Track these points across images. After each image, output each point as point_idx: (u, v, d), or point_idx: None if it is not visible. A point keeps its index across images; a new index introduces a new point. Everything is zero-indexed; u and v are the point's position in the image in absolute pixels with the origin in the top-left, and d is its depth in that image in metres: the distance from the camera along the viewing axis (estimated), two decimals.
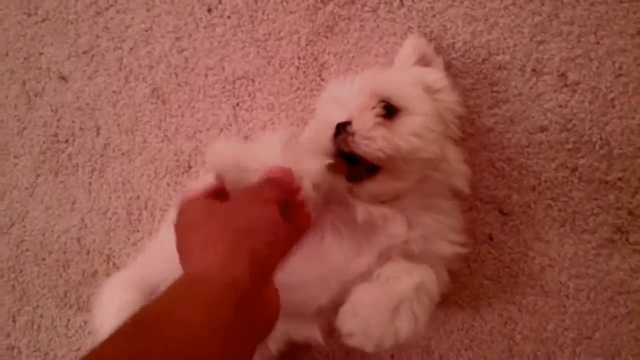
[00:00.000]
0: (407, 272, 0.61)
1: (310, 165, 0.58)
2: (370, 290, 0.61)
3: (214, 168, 0.57)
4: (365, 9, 0.80)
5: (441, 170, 0.65)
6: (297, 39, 0.82)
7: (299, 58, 0.83)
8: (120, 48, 0.87)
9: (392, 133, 0.60)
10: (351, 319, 0.60)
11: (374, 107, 0.61)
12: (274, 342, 0.74)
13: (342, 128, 0.60)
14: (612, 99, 0.76)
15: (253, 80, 0.84)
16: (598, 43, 0.76)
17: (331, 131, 0.60)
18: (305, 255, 0.60)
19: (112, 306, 0.70)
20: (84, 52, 0.88)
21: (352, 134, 0.59)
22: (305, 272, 0.63)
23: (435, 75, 0.66)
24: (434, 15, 0.79)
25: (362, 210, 0.61)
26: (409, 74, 0.67)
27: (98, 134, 0.88)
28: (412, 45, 0.72)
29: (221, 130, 0.85)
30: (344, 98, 0.65)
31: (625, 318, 0.77)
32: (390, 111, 0.61)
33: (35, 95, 0.90)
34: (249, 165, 0.56)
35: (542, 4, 0.77)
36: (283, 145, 0.63)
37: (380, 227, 0.62)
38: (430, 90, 0.65)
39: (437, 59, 0.73)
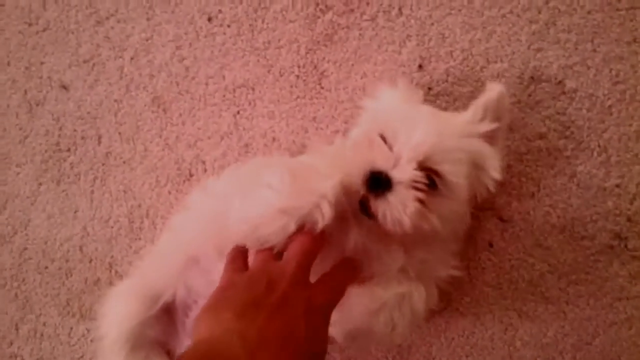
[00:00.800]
0: (396, 281, 0.62)
1: (325, 186, 0.56)
2: (358, 290, 0.62)
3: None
4: (364, 17, 0.81)
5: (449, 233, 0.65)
6: (296, 47, 0.83)
7: (298, 66, 0.83)
8: (121, 57, 0.88)
9: (425, 209, 0.58)
10: (337, 309, 0.61)
11: (418, 183, 0.57)
12: None
13: (378, 186, 0.57)
14: (610, 106, 0.77)
15: (253, 89, 0.85)
16: (595, 51, 0.77)
17: (365, 173, 0.57)
18: None
19: (117, 316, 0.71)
20: (85, 61, 0.89)
21: (386, 202, 0.57)
22: None
23: (492, 159, 0.62)
24: (432, 24, 0.80)
25: (355, 240, 0.61)
26: (465, 147, 0.61)
27: (99, 142, 0.89)
28: (497, 93, 0.64)
29: (222, 138, 0.85)
30: (398, 138, 0.60)
31: (624, 324, 0.78)
32: (432, 182, 0.59)
33: (37, 104, 0.90)
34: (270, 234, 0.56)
35: (539, 12, 0.77)
36: (289, 178, 0.58)
37: (375, 256, 0.63)
38: (476, 166, 0.62)
39: (507, 115, 0.67)
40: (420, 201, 0.57)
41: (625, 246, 0.77)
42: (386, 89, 0.68)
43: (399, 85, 0.68)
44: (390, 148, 0.59)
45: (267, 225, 0.56)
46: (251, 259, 0.59)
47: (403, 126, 0.60)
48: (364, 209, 0.58)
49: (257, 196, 0.58)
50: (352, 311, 0.62)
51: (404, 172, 0.57)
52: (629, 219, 0.77)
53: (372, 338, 0.64)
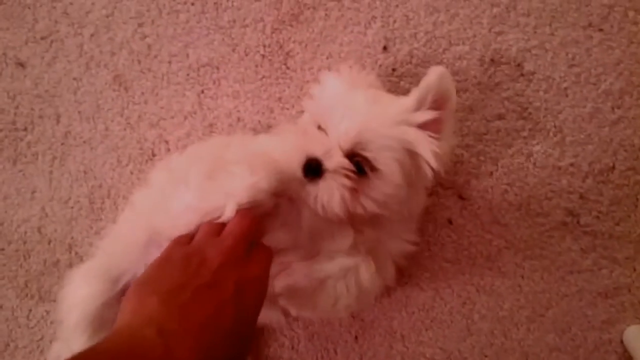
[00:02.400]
0: (344, 255, 0.64)
1: (236, 186, 0.58)
2: (306, 263, 0.64)
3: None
4: None
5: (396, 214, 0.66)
6: (262, 26, 0.83)
7: (264, 46, 0.83)
8: (80, 34, 0.85)
9: (356, 195, 0.60)
10: (283, 280, 0.64)
11: (346, 170, 0.59)
12: None
13: (313, 173, 0.59)
14: (566, 88, 0.80)
15: (218, 68, 0.84)
16: (553, 34, 0.79)
17: (301, 160, 0.59)
18: None
19: (77, 298, 0.70)
20: (43, 38, 0.86)
21: (317, 188, 0.59)
22: None
23: (425, 147, 0.61)
24: (397, 6, 0.81)
25: (308, 220, 0.63)
26: (398, 134, 0.60)
27: (58, 121, 0.86)
28: (438, 77, 0.62)
29: (185, 118, 0.85)
30: (330, 125, 0.62)
31: (575, 296, 0.82)
32: (361, 169, 0.60)
33: None
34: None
35: None
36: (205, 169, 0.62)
37: (327, 235, 0.64)
38: (412, 154, 0.61)
39: (453, 101, 0.64)
40: (351, 188, 0.59)
41: (578, 222, 0.81)
42: (329, 76, 0.69)
43: (342, 72, 0.69)
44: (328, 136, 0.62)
45: (179, 219, 0.61)
46: None
47: (335, 114, 0.61)
48: (309, 172, 0.60)
49: (177, 192, 0.62)
50: (298, 283, 0.64)
51: (332, 160, 0.59)
52: (581, 197, 0.80)
53: (317, 310, 0.65)
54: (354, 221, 0.63)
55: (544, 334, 0.82)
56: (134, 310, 0.48)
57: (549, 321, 0.82)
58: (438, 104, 0.62)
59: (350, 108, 0.61)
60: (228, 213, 0.58)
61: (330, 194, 0.58)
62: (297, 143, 0.62)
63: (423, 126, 0.61)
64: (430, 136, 0.60)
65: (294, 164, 0.59)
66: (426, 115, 0.61)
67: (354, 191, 0.59)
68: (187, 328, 0.46)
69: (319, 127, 0.64)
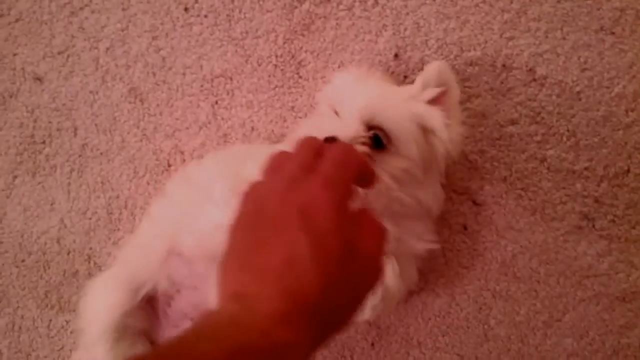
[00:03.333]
0: None
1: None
2: None
3: None
4: (341, 7, 0.82)
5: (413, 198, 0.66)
6: (274, 37, 0.84)
7: (276, 56, 0.84)
8: (96, 48, 0.87)
9: (374, 165, 0.59)
10: None
11: (363, 138, 0.60)
12: None
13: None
14: (578, 92, 0.80)
15: (231, 79, 0.85)
16: (564, 39, 0.80)
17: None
18: None
19: (99, 308, 0.71)
20: (59, 53, 0.88)
21: None
22: None
23: (436, 118, 0.62)
24: (407, 13, 0.81)
25: None
26: (409, 108, 0.62)
27: (75, 134, 0.88)
28: (435, 70, 0.66)
29: (200, 128, 0.86)
30: (344, 104, 0.64)
31: (592, 300, 0.81)
32: (379, 142, 0.61)
33: (10, 97, 0.89)
34: None
35: (511, 2, 0.80)
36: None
37: None
38: (426, 130, 0.63)
39: (455, 90, 0.67)
40: (369, 157, 0.59)
41: (593, 226, 0.81)
42: (339, 73, 0.71)
43: (350, 69, 0.71)
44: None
45: (208, 238, 0.60)
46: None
47: (349, 95, 0.64)
48: None
49: (202, 211, 0.62)
50: None
51: (347, 130, 0.60)
52: (596, 201, 0.80)
53: None
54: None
55: (562, 338, 0.82)
56: (221, 290, 0.39)
57: (566, 326, 0.82)
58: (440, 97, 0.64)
59: (363, 89, 0.64)
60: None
61: None
62: (310, 129, 0.63)
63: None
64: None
65: None
66: (432, 92, 0.63)
67: (372, 162, 0.60)
68: (266, 280, 0.37)
69: (335, 113, 0.65)
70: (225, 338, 0.34)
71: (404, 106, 0.62)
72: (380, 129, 0.61)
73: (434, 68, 0.65)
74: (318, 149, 0.44)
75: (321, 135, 0.58)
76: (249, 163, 0.68)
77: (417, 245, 0.69)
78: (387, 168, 0.61)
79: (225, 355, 0.32)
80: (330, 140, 0.57)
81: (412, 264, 0.70)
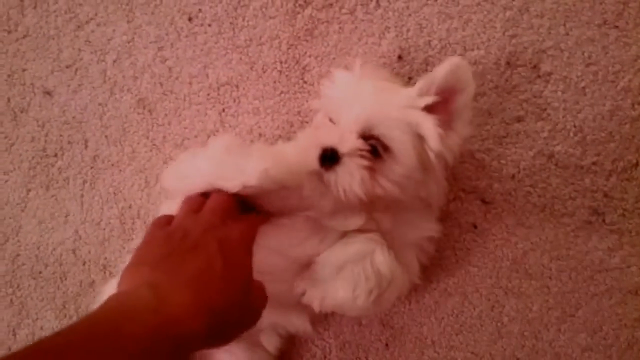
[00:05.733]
0: (361, 241, 0.65)
1: (249, 167, 0.60)
2: (325, 254, 0.66)
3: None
4: (343, 11, 0.83)
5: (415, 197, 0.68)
6: (278, 43, 0.84)
7: (281, 62, 0.85)
8: (103, 60, 0.88)
9: (374, 175, 0.61)
10: (303, 275, 0.67)
11: (361, 151, 0.61)
12: (270, 338, 0.77)
13: (327, 161, 0.61)
14: (584, 87, 0.80)
15: (237, 86, 0.86)
16: (567, 34, 0.79)
17: (317, 153, 0.61)
18: (267, 250, 0.65)
19: None
20: (67, 67, 0.89)
21: (335, 174, 0.61)
22: (269, 265, 0.66)
23: (429, 129, 0.62)
24: (409, 15, 0.82)
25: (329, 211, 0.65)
26: (405, 117, 0.62)
27: (86, 146, 0.89)
28: (452, 65, 0.63)
29: (208, 136, 0.87)
30: (341, 113, 0.64)
31: (605, 295, 0.81)
32: (375, 151, 0.62)
33: (21, 112, 0.90)
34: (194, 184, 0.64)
35: None
36: (226, 148, 0.65)
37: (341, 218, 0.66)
38: (420, 137, 0.63)
39: (470, 87, 0.64)
40: (369, 168, 0.60)
41: (603, 221, 0.81)
42: (340, 73, 0.70)
43: (353, 67, 0.69)
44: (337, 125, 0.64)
45: (187, 179, 0.65)
46: None
47: (345, 103, 0.64)
48: (325, 160, 0.62)
49: (193, 159, 0.66)
50: (317, 272, 0.66)
51: (347, 144, 0.61)
52: (605, 195, 0.80)
53: (338, 299, 0.65)
54: (373, 210, 0.65)
55: (575, 334, 0.82)
56: (128, 282, 0.49)
57: (580, 321, 0.82)
58: (449, 93, 0.63)
59: (359, 96, 0.64)
60: (233, 186, 0.60)
61: (350, 175, 0.60)
62: (310, 139, 0.64)
63: (431, 112, 0.62)
64: (439, 121, 0.62)
65: (310, 159, 0.61)
66: (428, 99, 0.62)
67: (371, 171, 0.61)
68: (179, 280, 0.48)
69: (331, 120, 0.66)
70: (146, 321, 0.41)
71: (400, 115, 0.62)
72: (378, 139, 0.62)
73: (446, 66, 0.63)
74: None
75: (320, 147, 0.61)
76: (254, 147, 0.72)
77: (412, 234, 0.70)
78: (387, 174, 0.62)
79: (148, 337, 0.40)
80: (325, 152, 0.61)
81: (412, 253, 0.71)
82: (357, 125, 0.62)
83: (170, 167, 0.70)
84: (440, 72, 0.63)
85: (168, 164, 0.87)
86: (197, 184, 0.63)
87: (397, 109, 0.62)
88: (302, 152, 0.64)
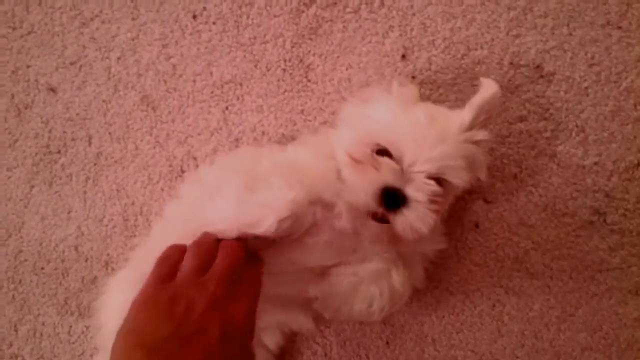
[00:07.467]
0: (377, 261, 0.66)
1: (277, 200, 0.59)
2: (339, 269, 0.67)
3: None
4: (347, 10, 0.83)
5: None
6: (282, 42, 0.85)
7: (285, 60, 0.85)
8: (107, 57, 0.88)
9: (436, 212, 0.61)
10: (319, 285, 0.67)
11: (437, 192, 0.60)
12: (272, 335, 0.77)
13: (393, 202, 0.59)
14: (586, 88, 0.80)
15: (241, 84, 0.86)
16: (571, 35, 0.80)
17: (378, 190, 0.59)
18: (283, 258, 0.65)
19: (115, 305, 0.72)
20: (72, 63, 0.89)
21: (404, 217, 0.59)
22: (282, 268, 0.67)
23: (483, 165, 0.66)
24: (413, 14, 0.82)
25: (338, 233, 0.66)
26: (465, 153, 0.63)
27: (90, 143, 0.90)
28: (491, 92, 0.65)
29: (212, 134, 0.87)
30: (404, 152, 0.61)
31: (605, 294, 0.82)
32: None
33: (25, 108, 0.90)
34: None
35: None
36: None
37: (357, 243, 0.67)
38: (471, 169, 0.64)
39: (495, 112, 0.68)
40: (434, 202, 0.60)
41: (604, 221, 0.81)
42: (379, 95, 0.67)
43: (392, 90, 0.67)
44: (397, 161, 0.61)
45: (216, 231, 0.62)
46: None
47: (406, 138, 0.61)
48: (376, 217, 0.61)
49: (214, 203, 0.63)
50: (333, 287, 0.67)
51: (420, 190, 0.59)
52: (607, 195, 0.81)
53: (353, 313, 0.67)
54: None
55: (575, 333, 0.82)
56: None
57: (580, 320, 0.82)
58: (485, 117, 0.65)
59: (421, 131, 0.61)
60: (268, 227, 0.58)
61: (421, 219, 0.59)
62: (361, 174, 0.62)
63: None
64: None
65: (364, 196, 0.59)
66: (482, 134, 0.64)
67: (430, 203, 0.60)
68: None
69: (377, 150, 0.63)
70: None
71: (462, 154, 0.62)
72: (443, 179, 0.61)
73: (490, 92, 0.64)
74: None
75: (379, 186, 0.59)
76: (263, 160, 0.70)
77: (422, 247, 0.72)
78: (442, 206, 0.64)
79: None
80: (388, 191, 0.59)
81: (419, 264, 0.73)
82: (429, 167, 0.60)
83: (193, 219, 0.67)
84: (487, 98, 0.64)
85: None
86: (227, 233, 0.61)
87: (459, 145, 0.62)
88: (352, 187, 0.61)
